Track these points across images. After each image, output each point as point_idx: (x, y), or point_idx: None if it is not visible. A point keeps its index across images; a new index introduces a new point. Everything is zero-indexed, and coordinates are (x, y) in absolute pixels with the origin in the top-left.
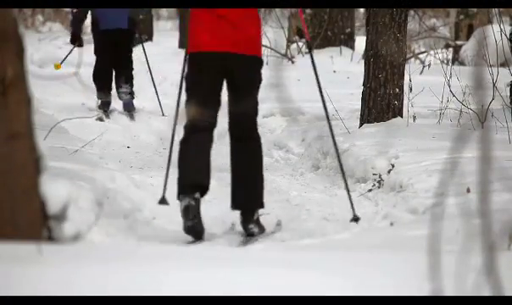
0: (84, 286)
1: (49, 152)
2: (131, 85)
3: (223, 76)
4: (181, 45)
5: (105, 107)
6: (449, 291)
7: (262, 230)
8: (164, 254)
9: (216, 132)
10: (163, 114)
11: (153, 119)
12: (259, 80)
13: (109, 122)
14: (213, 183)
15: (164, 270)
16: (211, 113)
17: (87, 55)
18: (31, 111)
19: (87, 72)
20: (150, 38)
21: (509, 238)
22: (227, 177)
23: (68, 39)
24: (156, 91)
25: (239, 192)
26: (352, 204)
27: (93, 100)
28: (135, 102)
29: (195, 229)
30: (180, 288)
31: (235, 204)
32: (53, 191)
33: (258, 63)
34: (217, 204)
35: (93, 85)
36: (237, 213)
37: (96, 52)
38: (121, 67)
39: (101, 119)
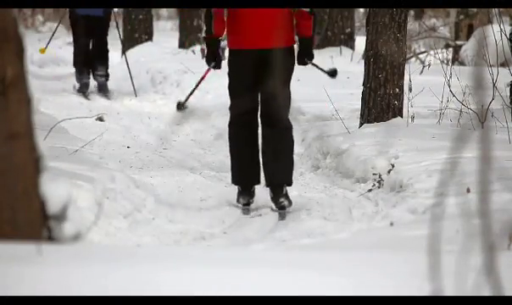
0: (84, 286)
1: (49, 152)
2: (106, 68)
3: (259, 69)
4: (181, 45)
5: (84, 88)
6: (449, 291)
7: (290, 203)
8: (164, 254)
9: (216, 133)
10: (136, 95)
11: (147, 117)
12: (292, 70)
13: (109, 122)
14: (213, 183)
15: (164, 270)
16: (254, 98)
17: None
18: (31, 111)
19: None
20: (150, 38)
21: (509, 238)
22: (228, 177)
23: (67, 39)
24: (129, 72)
25: (272, 170)
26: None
27: (93, 100)
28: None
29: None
30: (179, 288)
31: (268, 181)
32: (53, 191)
33: (290, 53)
34: (217, 204)
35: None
36: (235, 215)
37: (74, 38)
38: (97, 51)
39: (101, 119)
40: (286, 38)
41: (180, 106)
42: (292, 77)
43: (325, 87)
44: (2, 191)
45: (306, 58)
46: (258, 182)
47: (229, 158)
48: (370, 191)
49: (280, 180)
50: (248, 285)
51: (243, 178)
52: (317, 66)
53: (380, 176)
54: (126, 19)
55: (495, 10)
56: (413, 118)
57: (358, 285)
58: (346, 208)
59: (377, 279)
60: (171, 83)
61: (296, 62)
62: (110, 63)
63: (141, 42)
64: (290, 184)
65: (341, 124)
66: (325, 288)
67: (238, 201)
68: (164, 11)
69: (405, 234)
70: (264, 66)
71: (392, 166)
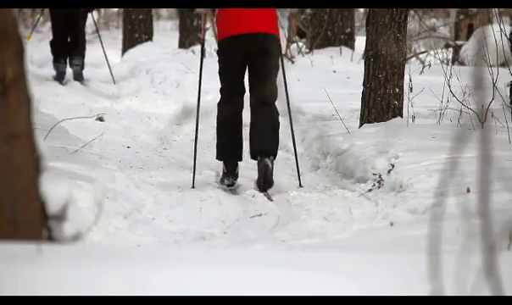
0: (84, 287)
1: (49, 152)
2: (83, 57)
3: (247, 51)
4: (181, 45)
5: (60, 77)
6: (449, 291)
7: (272, 182)
8: (164, 254)
9: (215, 133)
10: (114, 83)
11: (148, 118)
12: (278, 57)
13: (109, 122)
14: (213, 183)
15: (164, 270)
16: (241, 81)
17: (87, 55)
18: (31, 111)
19: (87, 72)
20: (150, 38)
21: (509, 238)
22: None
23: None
24: (106, 58)
25: (260, 140)
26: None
27: (93, 100)
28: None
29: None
30: (179, 288)
31: (254, 150)
32: (53, 191)
33: (276, 41)
34: (217, 204)
35: (93, 85)
36: (235, 215)
37: (52, 27)
38: (75, 40)
39: (101, 119)
40: (271, 26)
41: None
42: (279, 70)
43: (325, 87)
44: (2, 191)
45: None
46: (240, 159)
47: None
48: (370, 191)
49: (268, 148)
50: (248, 285)
51: (228, 154)
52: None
53: (380, 176)
54: (126, 19)
55: (495, 10)
56: (414, 118)
57: (358, 285)
58: (346, 208)
59: (377, 279)
60: (171, 83)
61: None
62: (110, 63)
63: (141, 42)
64: (275, 156)
65: (341, 124)
66: (325, 288)
67: (223, 182)
68: (164, 11)
69: (405, 234)
70: (253, 49)
71: (392, 166)
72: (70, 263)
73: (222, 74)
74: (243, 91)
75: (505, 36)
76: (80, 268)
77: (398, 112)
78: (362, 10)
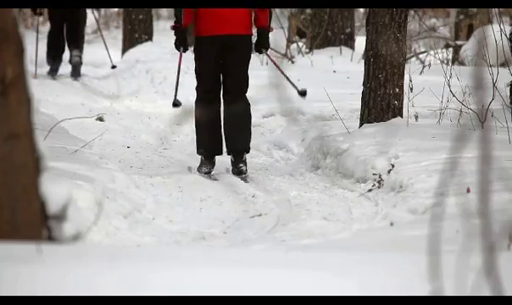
0: (83, 286)
1: (49, 152)
2: (81, 50)
3: (221, 52)
4: None
5: (53, 72)
6: (449, 291)
7: (247, 169)
8: (164, 254)
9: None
10: (112, 65)
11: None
12: (249, 55)
13: (109, 122)
14: (214, 183)
15: (164, 270)
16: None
17: (87, 55)
18: (31, 111)
19: (88, 72)
20: (150, 38)
21: (509, 238)
22: (228, 177)
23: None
24: (104, 41)
25: (232, 139)
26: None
27: (93, 100)
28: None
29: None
30: (180, 288)
31: (229, 149)
32: (53, 191)
33: (248, 41)
34: (217, 204)
35: (93, 85)
36: (235, 215)
37: (50, 21)
38: (74, 35)
39: (101, 119)
40: (244, 27)
41: (176, 102)
42: (250, 64)
43: (325, 87)
44: (2, 191)
45: (262, 46)
46: (220, 153)
47: (227, 157)
48: (370, 191)
49: (240, 148)
50: (248, 285)
51: (207, 149)
52: (288, 78)
53: (380, 176)
54: (126, 19)
55: (495, 10)
56: (416, 117)
57: (359, 285)
58: (346, 208)
59: (377, 279)
60: (171, 83)
61: (254, 49)
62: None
63: (141, 42)
64: (248, 151)
65: (341, 124)
66: (325, 288)
67: (200, 170)
68: (164, 11)
69: (405, 234)
70: (225, 49)
71: (392, 166)
72: (70, 263)
73: (199, 73)
74: (219, 88)
75: (505, 35)
76: (79, 268)
77: (398, 112)
78: (362, 10)
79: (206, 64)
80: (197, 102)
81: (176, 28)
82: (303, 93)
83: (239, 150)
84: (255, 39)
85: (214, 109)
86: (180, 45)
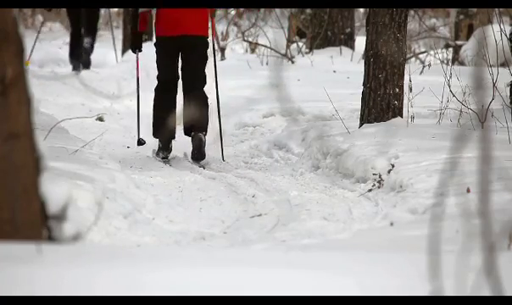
0: (82, 286)
1: (49, 152)
2: (93, 38)
3: (180, 49)
4: None
5: (77, 68)
6: (449, 291)
7: (204, 155)
8: (164, 254)
9: (214, 133)
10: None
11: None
12: (206, 55)
13: (109, 122)
14: (214, 183)
15: (164, 270)
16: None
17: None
18: (31, 111)
19: (87, 72)
20: (150, 38)
21: (509, 238)
22: (228, 177)
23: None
24: (113, 39)
25: (192, 122)
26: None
27: (93, 100)
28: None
29: (165, 158)
30: (180, 288)
31: (187, 129)
32: (53, 191)
33: (205, 41)
34: (217, 204)
35: (93, 85)
36: (235, 215)
37: (70, 25)
38: (88, 27)
39: (101, 119)
40: (201, 29)
41: (141, 141)
42: (208, 63)
43: (325, 87)
44: (2, 191)
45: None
46: (173, 137)
47: (227, 157)
48: (370, 191)
49: (200, 126)
50: (248, 285)
51: (163, 132)
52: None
53: (380, 176)
54: (126, 19)
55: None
56: (413, 118)
57: (359, 285)
58: (346, 208)
59: (377, 279)
60: None
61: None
62: (110, 63)
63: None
64: (206, 131)
65: (341, 124)
66: (325, 288)
67: (157, 155)
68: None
69: (405, 234)
70: (183, 48)
71: (392, 166)
72: (68, 263)
73: (159, 65)
74: (177, 80)
75: (505, 35)
76: (78, 268)
77: (398, 112)
78: (362, 10)
79: (165, 60)
80: (156, 90)
81: (134, 33)
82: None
83: (199, 127)
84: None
85: (171, 97)
86: (136, 48)
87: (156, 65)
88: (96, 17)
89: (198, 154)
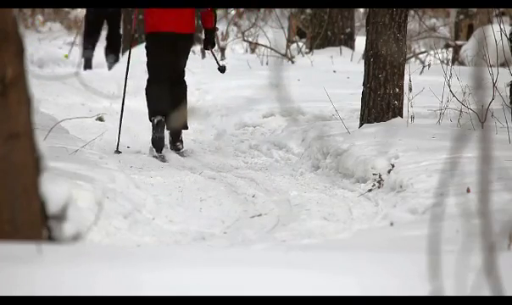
0: (81, 286)
1: (49, 152)
2: (117, 55)
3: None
4: None
5: (88, 64)
6: (449, 291)
7: (183, 146)
8: (164, 254)
9: (216, 133)
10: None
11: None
12: (189, 50)
13: (109, 122)
14: (214, 183)
15: (164, 270)
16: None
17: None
18: (31, 111)
19: (87, 72)
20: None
21: (509, 238)
22: (228, 177)
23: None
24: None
25: (172, 118)
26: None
27: (93, 100)
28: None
29: (160, 142)
30: (179, 288)
31: (169, 127)
32: (53, 191)
33: (190, 38)
34: (217, 204)
35: (93, 85)
36: (235, 215)
37: (86, 14)
38: (110, 36)
39: (101, 119)
40: (187, 26)
41: (119, 150)
42: (190, 56)
43: (325, 87)
44: (2, 191)
45: (208, 44)
46: (167, 114)
47: (227, 157)
48: (370, 191)
49: (177, 126)
50: (248, 285)
51: (158, 112)
52: (215, 57)
53: (380, 176)
54: (126, 19)
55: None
56: (413, 118)
57: (359, 285)
58: (346, 208)
59: (377, 279)
60: None
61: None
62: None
63: (142, 42)
64: (186, 127)
65: (341, 124)
66: (325, 288)
67: (152, 154)
68: None
69: (405, 234)
70: (173, 44)
71: (392, 166)
72: (68, 263)
73: (148, 61)
74: (167, 71)
75: (505, 35)
76: (78, 268)
77: (398, 112)
78: (362, 10)
79: (154, 54)
80: (148, 80)
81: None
82: (221, 69)
83: (176, 128)
84: (203, 37)
85: (163, 83)
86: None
87: (147, 60)
88: (117, 22)
89: (176, 148)
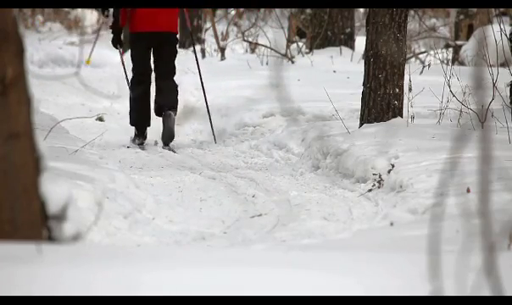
0: (80, 286)
1: (49, 152)
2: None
3: (152, 44)
4: (181, 45)
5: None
6: (449, 291)
7: (173, 138)
8: (164, 254)
9: (216, 132)
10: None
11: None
12: (176, 49)
13: (109, 122)
14: (214, 183)
15: (164, 270)
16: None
17: (87, 56)
18: (31, 111)
19: (87, 72)
20: None
21: (509, 238)
22: (228, 177)
23: (67, 39)
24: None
25: (162, 100)
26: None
27: (93, 100)
28: None
29: (140, 144)
30: (179, 288)
31: (157, 107)
32: (53, 191)
33: (174, 37)
34: (217, 204)
35: (93, 85)
36: (235, 215)
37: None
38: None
39: (101, 119)
40: (171, 26)
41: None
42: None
43: (325, 87)
44: (2, 191)
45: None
46: (148, 125)
47: (227, 157)
48: (370, 191)
49: (169, 104)
50: (248, 285)
51: (139, 120)
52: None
53: (380, 176)
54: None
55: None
56: (413, 118)
57: (358, 285)
58: (346, 208)
59: (377, 279)
60: None
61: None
62: (110, 62)
63: None
64: (176, 110)
65: (341, 124)
66: (325, 288)
67: (134, 141)
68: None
69: (405, 234)
70: (155, 43)
71: (392, 166)
72: (68, 263)
73: (134, 59)
74: (150, 72)
75: (505, 35)
76: (78, 268)
77: (398, 112)
78: (362, 10)
79: (138, 53)
80: (131, 81)
81: (115, 29)
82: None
83: (168, 105)
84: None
85: (145, 88)
86: (117, 43)
87: (131, 59)
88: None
89: (168, 133)
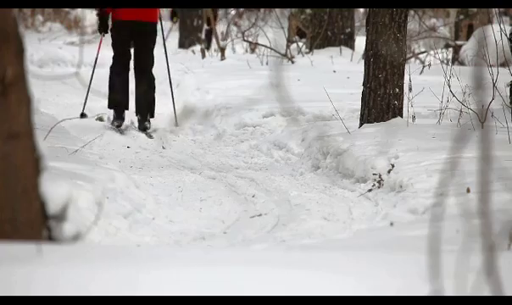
0: (79, 286)
1: (49, 152)
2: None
3: (133, 33)
4: (181, 45)
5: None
6: (449, 291)
7: (150, 126)
8: (164, 254)
9: (216, 133)
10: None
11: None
12: (155, 38)
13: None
14: (214, 183)
15: (164, 270)
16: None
17: (87, 56)
18: (31, 111)
19: (87, 72)
20: None
21: (509, 238)
22: (228, 177)
23: (67, 39)
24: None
25: (141, 104)
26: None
27: (93, 100)
28: None
29: (119, 124)
30: (179, 288)
31: (137, 111)
32: (53, 191)
33: (154, 26)
34: (217, 204)
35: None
36: (235, 215)
37: None
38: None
39: (101, 119)
40: (151, 16)
41: (84, 114)
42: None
43: (325, 87)
44: (2, 191)
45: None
46: (127, 108)
47: (227, 157)
48: (370, 191)
49: (147, 112)
50: (248, 285)
51: (117, 102)
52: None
53: (380, 176)
54: None
55: (495, 10)
56: (414, 118)
57: (358, 285)
58: (346, 208)
59: (377, 279)
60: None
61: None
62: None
63: None
64: (153, 115)
65: (341, 124)
66: (325, 288)
67: (112, 124)
68: (163, 11)
69: (405, 234)
70: (136, 31)
71: (392, 166)
72: (68, 263)
73: (114, 45)
74: (130, 57)
75: (505, 35)
76: (77, 268)
77: (398, 112)
78: (362, 10)
79: (119, 40)
80: (111, 67)
81: (101, 15)
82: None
83: (144, 114)
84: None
85: (124, 73)
86: (103, 30)
87: (111, 46)
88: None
89: (144, 127)
